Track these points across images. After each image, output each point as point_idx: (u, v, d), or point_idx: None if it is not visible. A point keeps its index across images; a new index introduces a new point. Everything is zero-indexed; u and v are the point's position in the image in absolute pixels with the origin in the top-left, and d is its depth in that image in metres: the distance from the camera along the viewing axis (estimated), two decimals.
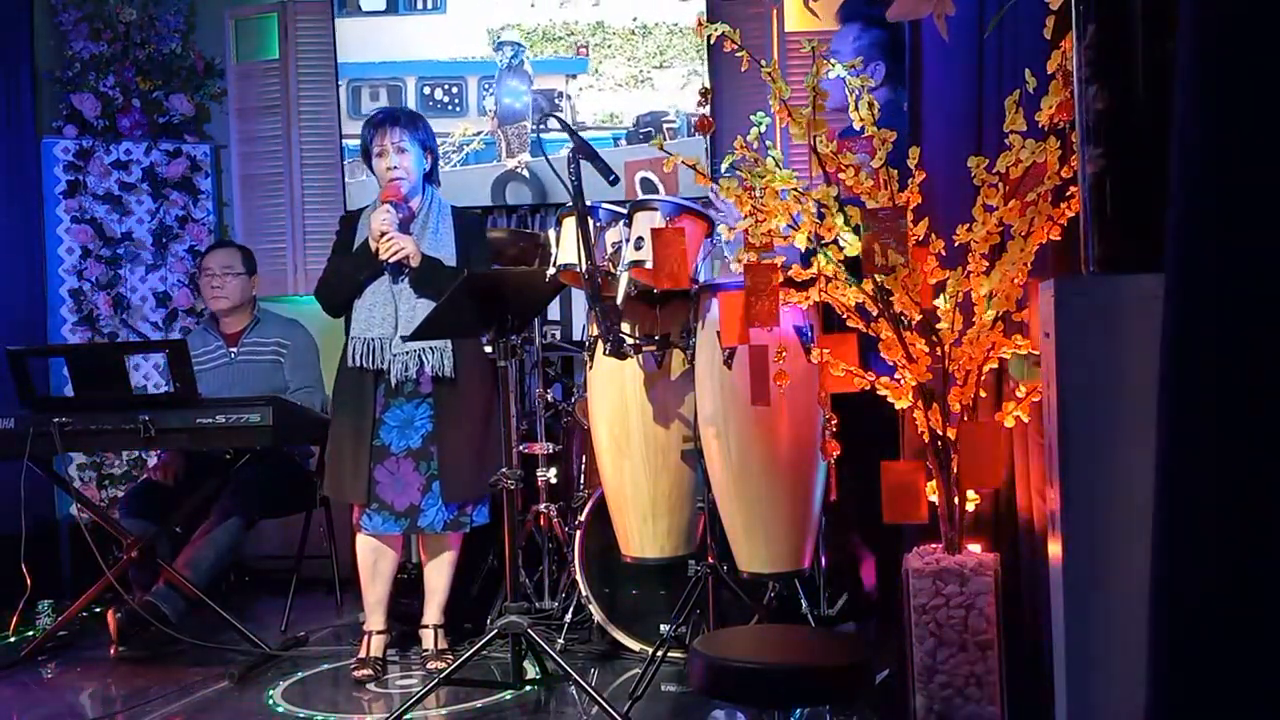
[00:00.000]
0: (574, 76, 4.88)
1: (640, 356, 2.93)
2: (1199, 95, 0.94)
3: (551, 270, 2.96)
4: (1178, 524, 0.97)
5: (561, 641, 3.38)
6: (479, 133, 4.93)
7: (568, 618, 3.46)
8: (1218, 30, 0.92)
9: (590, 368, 3.06)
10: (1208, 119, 0.93)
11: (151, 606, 3.56)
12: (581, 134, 3.03)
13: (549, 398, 3.90)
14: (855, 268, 2.24)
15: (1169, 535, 0.98)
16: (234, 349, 4.13)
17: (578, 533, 3.36)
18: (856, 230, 2.21)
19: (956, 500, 2.21)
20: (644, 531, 2.98)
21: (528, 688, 3.06)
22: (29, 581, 3.38)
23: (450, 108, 4.91)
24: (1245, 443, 0.90)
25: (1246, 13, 0.89)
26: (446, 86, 4.94)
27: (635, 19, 4.81)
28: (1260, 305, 0.89)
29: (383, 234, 3.23)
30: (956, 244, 2.22)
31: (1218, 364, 0.93)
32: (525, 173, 4.88)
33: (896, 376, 2.27)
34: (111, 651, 3.55)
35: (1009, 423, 2.24)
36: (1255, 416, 0.89)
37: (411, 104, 4.83)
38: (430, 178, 3.44)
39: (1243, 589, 0.90)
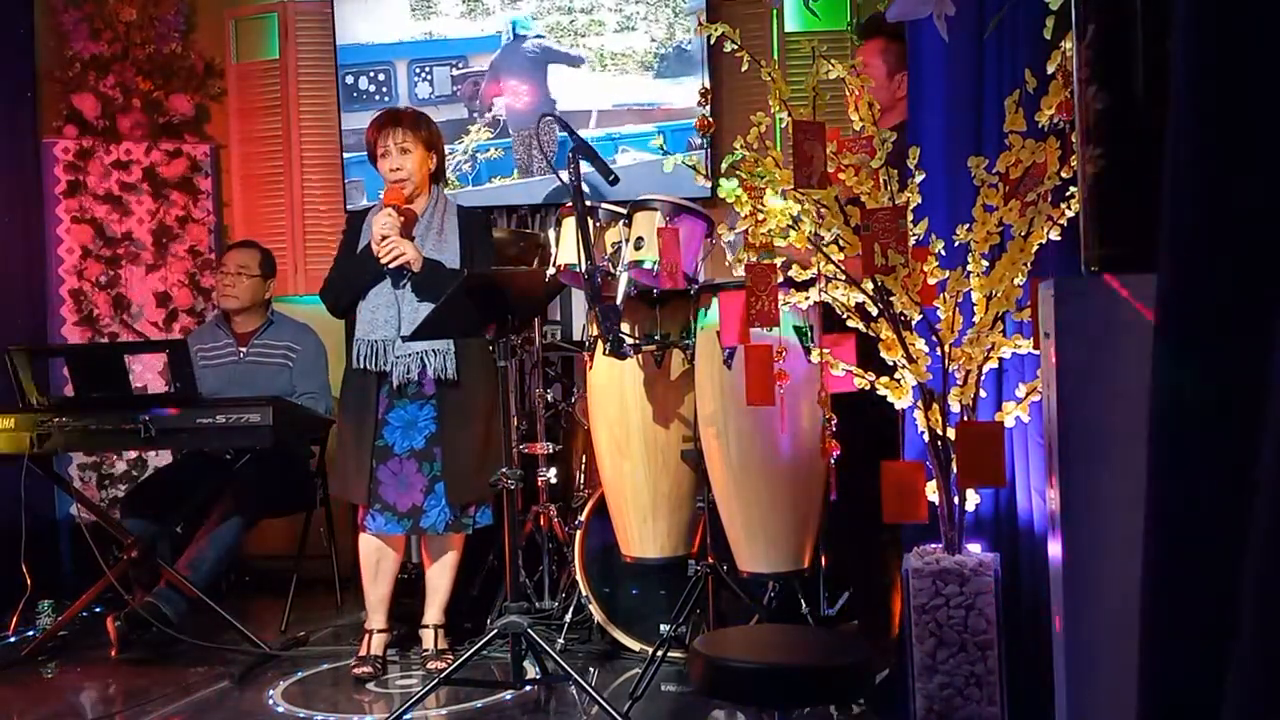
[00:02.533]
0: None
1: (640, 356, 2.93)
2: (1192, 97, 0.94)
3: (551, 270, 2.96)
4: (1167, 533, 0.97)
5: (561, 641, 3.38)
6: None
7: (568, 618, 3.46)
8: (1211, 32, 0.92)
9: (590, 368, 3.06)
10: (1201, 121, 0.93)
11: (152, 607, 3.56)
12: None
13: (549, 398, 3.90)
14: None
15: (1159, 543, 0.98)
16: (244, 349, 4.14)
17: (578, 533, 3.36)
18: (856, 230, 2.21)
19: (956, 500, 2.21)
20: (644, 531, 2.98)
21: (528, 688, 3.06)
22: (29, 581, 3.38)
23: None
24: (1235, 448, 0.90)
25: (1240, 14, 0.89)
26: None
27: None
28: (1250, 308, 0.89)
29: (383, 238, 3.23)
30: (956, 244, 2.22)
31: (1206, 369, 0.93)
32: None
33: (896, 377, 2.27)
34: (112, 654, 3.55)
35: (1009, 423, 2.25)
36: (1244, 422, 0.89)
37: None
38: (436, 177, 3.44)
39: (1233, 596, 0.89)
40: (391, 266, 3.24)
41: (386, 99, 4.92)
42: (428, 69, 4.96)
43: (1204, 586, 0.93)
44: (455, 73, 4.94)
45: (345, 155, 4.92)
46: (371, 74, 4.98)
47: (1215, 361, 0.92)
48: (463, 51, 4.95)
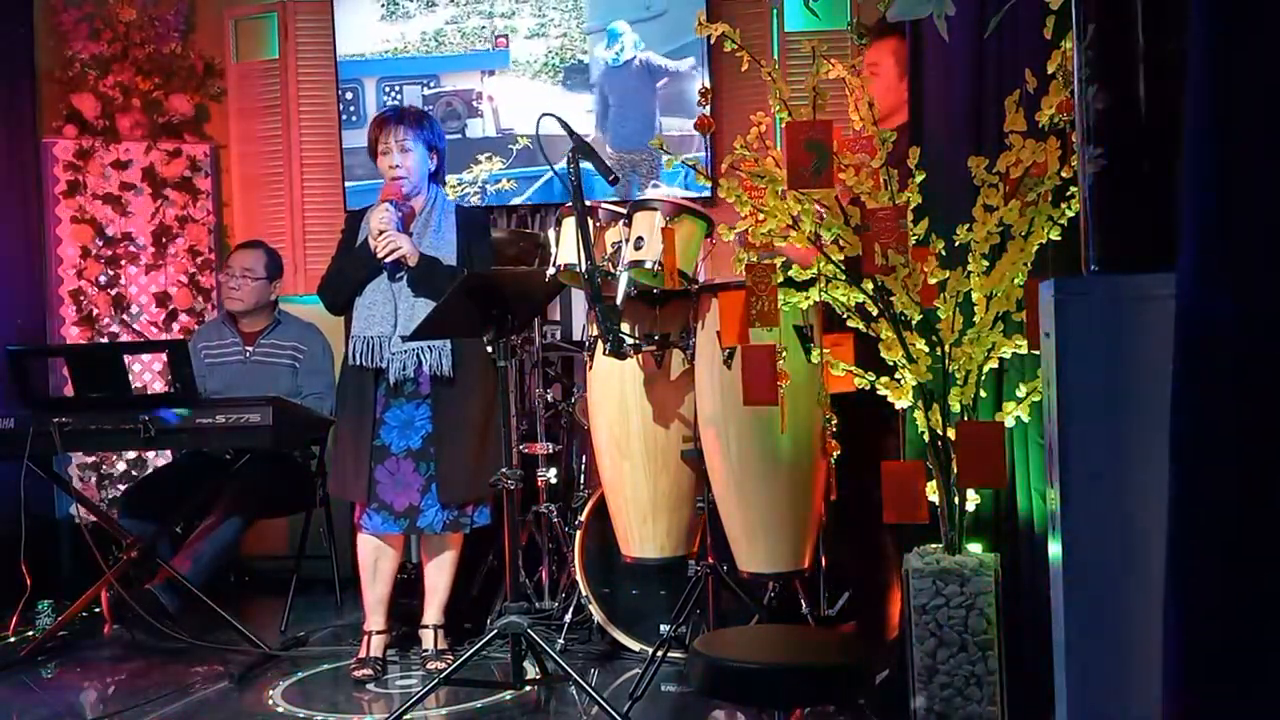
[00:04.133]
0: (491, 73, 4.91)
1: (640, 356, 2.93)
2: (1211, 95, 0.94)
3: (551, 270, 2.96)
4: (1194, 529, 0.97)
5: (561, 641, 3.38)
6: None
7: (568, 618, 3.45)
8: (1229, 30, 0.92)
9: (590, 368, 3.06)
10: (1219, 119, 0.93)
11: (151, 596, 3.57)
12: None
13: (549, 398, 3.90)
14: (855, 268, 2.25)
15: (1186, 540, 0.98)
16: (250, 348, 4.14)
17: (578, 533, 3.36)
18: (856, 230, 2.21)
19: (956, 500, 2.21)
20: (644, 531, 2.98)
21: (528, 688, 3.06)
22: (29, 581, 3.38)
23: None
24: (1264, 444, 0.89)
25: (1257, 11, 0.89)
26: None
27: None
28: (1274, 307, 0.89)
29: (380, 232, 3.24)
30: (956, 244, 2.22)
31: (1233, 367, 0.92)
32: None
33: (896, 377, 2.27)
34: (105, 630, 3.55)
35: (1009, 423, 2.25)
36: (1272, 418, 0.89)
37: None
38: (436, 177, 3.45)
39: (1260, 593, 0.89)
40: (388, 261, 3.25)
41: (354, 118, 4.93)
42: (397, 87, 4.94)
43: (1231, 580, 0.93)
44: (427, 91, 4.92)
45: (347, 184, 4.93)
46: (339, 90, 4.96)
47: (1240, 359, 0.92)
48: (434, 70, 4.92)
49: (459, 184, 4.77)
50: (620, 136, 4.71)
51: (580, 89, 4.82)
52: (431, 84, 4.93)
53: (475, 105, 4.91)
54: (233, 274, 4.14)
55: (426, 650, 3.38)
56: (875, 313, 2.26)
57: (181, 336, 4.66)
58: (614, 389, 2.97)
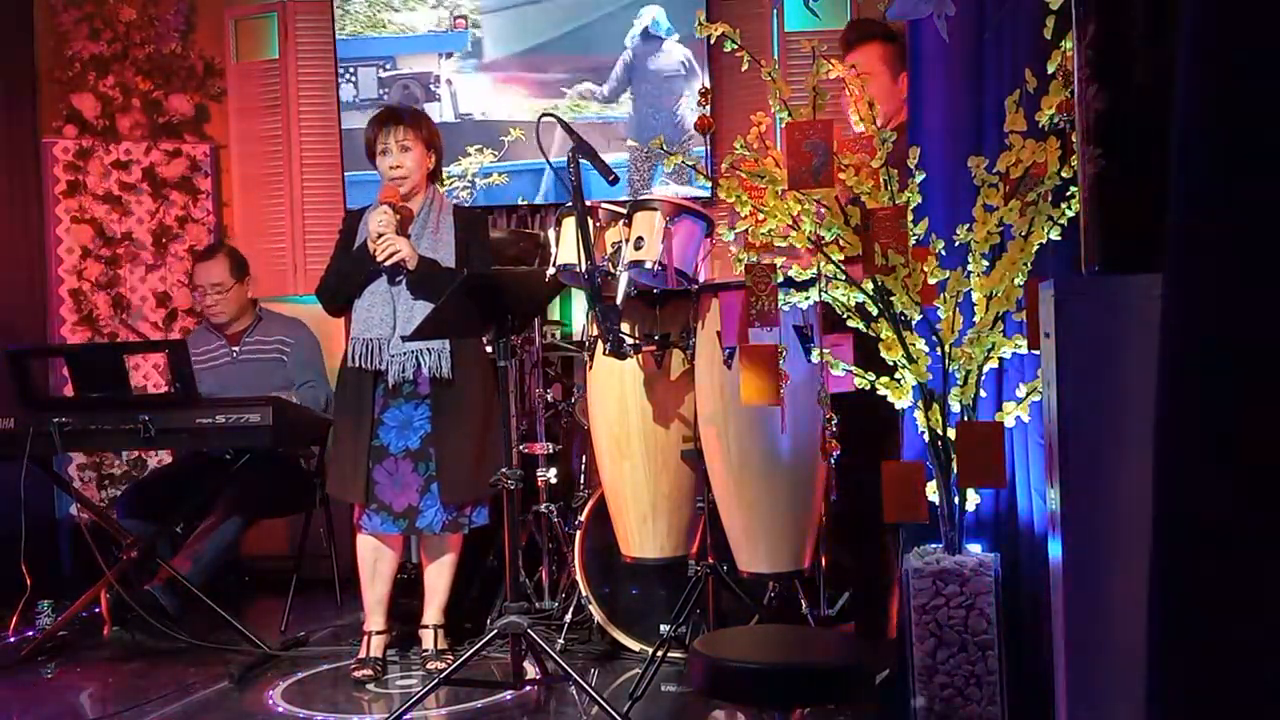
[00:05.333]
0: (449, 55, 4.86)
1: (640, 356, 2.93)
2: (1200, 96, 0.94)
3: (551, 270, 2.96)
4: (1182, 530, 0.97)
5: (561, 641, 3.38)
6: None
7: (568, 618, 3.45)
8: (1219, 31, 0.92)
9: (590, 368, 3.06)
10: (1209, 120, 0.93)
11: (151, 597, 3.58)
12: None
13: (549, 398, 3.90)
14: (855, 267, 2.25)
15: (1173, 541, 0.98)
16: (236, 348, 4.15)
17: (578, 533, 3.36)
18: (856, 230, 2.21)
19: (956, 500, 2.21)
20: (644, 531, 2.98)
21: (528, 688, 3.06)
22: (29, 581, 3.38)
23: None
24: (1253, 446, 0.90)
25: (1248, 13, 0.89)
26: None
27: None
28: (1261, 310, 0.89)
29: (379, 235, 3.23)
30: (956, 244, 2.22)
31: (1217, 370, 0.92)
32: None
33: (896, 377, 2.27)
34: (104, 632, 3.56)
35: (1009, 423, 2.25)
36: (1256, 423, 0.89)
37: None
38: (433, 176, 3.45)
39: (1246, 599, 0.89)
40: (387, 264, 3.24)
41: None
42: (352, 69, 4.88)
43: (1214, 589, 0.93)
44: (383, 74, 4.87)
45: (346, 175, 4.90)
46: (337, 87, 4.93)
47: (1224, 362, 0.92)
48: (390, 52, 4.85)
49: (447, 177, 4.71)
50: (647, 126, 4.64)
51: (471, 62, 4.77)
52: (388, 66, 4.87)
53: (433, 89, 4.84)
54: (204, 292, 4.16)
55: (426, 650, 3.39)
56: (875, 313, 2.26)
57: (182, 337, 4.66)
58: (614, 389, 2.97)
